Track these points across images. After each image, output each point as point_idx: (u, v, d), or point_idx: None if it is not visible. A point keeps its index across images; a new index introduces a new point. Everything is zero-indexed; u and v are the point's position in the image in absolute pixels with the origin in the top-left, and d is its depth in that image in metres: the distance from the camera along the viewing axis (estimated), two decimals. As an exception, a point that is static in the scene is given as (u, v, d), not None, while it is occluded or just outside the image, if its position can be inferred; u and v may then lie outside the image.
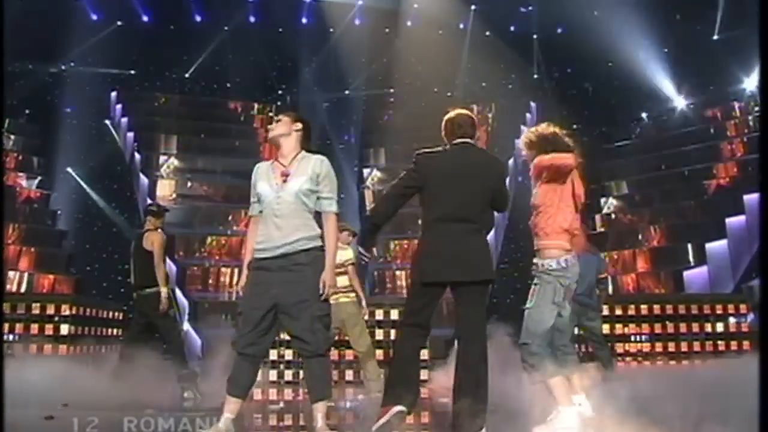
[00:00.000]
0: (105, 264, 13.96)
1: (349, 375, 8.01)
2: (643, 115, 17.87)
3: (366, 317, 6.83)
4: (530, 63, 18.57)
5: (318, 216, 3.64)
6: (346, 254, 6.49)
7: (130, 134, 16.96)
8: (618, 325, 8.65)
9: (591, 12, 17.45)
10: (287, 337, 3.69)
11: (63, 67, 17.10)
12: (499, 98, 17.55)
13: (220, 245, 15.63)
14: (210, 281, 14.93)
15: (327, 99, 18.44)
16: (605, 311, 7.69)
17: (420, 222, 3.99)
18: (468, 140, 3.90)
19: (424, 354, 6.72)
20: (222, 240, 15.71)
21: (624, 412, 3.69)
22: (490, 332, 3.85)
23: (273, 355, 7.89)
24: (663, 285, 13.65)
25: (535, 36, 18.62)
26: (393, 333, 8.07)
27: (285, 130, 3.67)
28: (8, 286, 12.21)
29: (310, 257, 3.50)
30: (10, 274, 12.91)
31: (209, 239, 15.67)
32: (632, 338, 8.70)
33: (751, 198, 12.67)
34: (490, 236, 3.96)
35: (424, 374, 6.69)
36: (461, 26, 18.60)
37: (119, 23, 17.40)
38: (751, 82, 15.57)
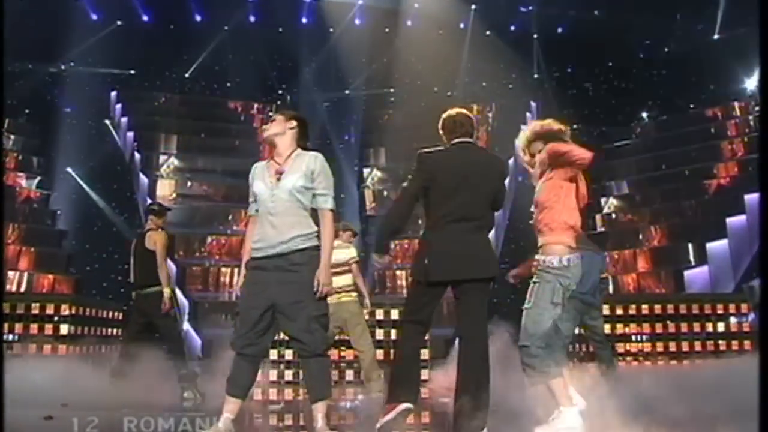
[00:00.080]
0: (105, 264, 13.96)
1: (349, 375, 8.00)
2: (644, 114, 17.87)
3: (368, 314, 6.83)
4: (530, 63, 18.54)
5: (316, 214, 3.62)
6: (349, 253, 6.48)
7: (130, 134, 16.95)
8: (619, 325, 8.63)
9: (591, 12, 17.45)
10: (287, 337, 3.67)
11: (63, 67, 17.07)
12: (500, 98, 17.54)
13: (220, 245, 15.63)
14: (210, 281, 14.93)
15: (327, 98, 18.43)
16: (606, 311, 7.67)
17: (421, 221, 3.99)
18: (469, 139, 3.91)
19: (424, 354, 6.71)
20: (222, 240, 15.72)
21: (625, 412, 3.68)
22: (491, 331, 3.84)
23: (273, 355, 7.88)
24: (664, 285, 13.65)
25: (535, 36, 18.60)
26: (393, 333, 8.06)
27: (279, 129, 3.65)
28: (8, 286, 12.21)
29: (306, 257, 3.48)
30: (10, 273, 12.91)
31: (209, 239, 15.67)
32: (633, 338, 8.68)
33: (752, 198, 12.67)
34: (491, 235, 3.95)
35: (424, 374, 6.68)
36: (461, 26, 18.58)
37: (119, 23, 17.37)
38: (751, 82, 15.56)
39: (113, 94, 17.56)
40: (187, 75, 18.01)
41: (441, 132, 3.95)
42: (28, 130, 15.87)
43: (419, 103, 16.76)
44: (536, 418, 3.60)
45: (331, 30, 18.14)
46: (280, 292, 3.43)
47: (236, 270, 13.27)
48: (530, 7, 18.43)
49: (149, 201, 13.84)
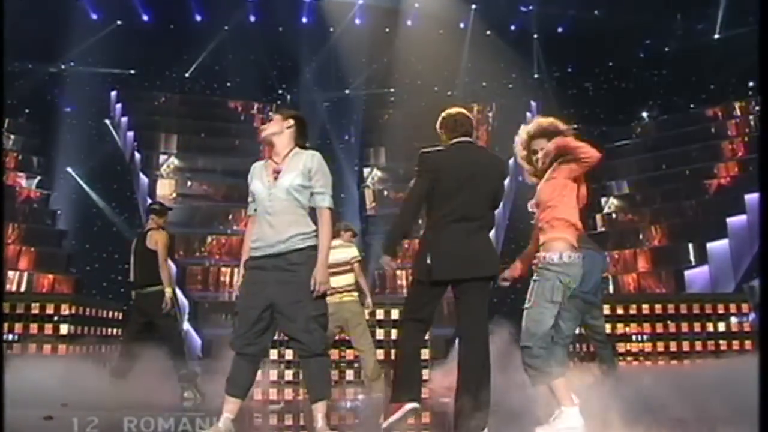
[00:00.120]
0: (105, 264, 13.96)
1: (349, 375, 7.99)
2: (644, 114, 17.86)
3: (369, 314, 6.82)
4: (530, 62, 18.55)
5: (315, 213, 3.60)
6: (351, 252, 6.47)
7: (130, 133, 16.95)
8: (619, 325, 8.61)
9: (591, 11, 17.44)
10: (286, 337, 3.66)
11: (63, 67, 17.08)
12: (500, 98, 17.54)
13: (220, 245, 15.63)
14: (210, 281, 14.93)
15: (327, 98, 18.43)
16: (606, 311, 7.66)
17: (421, 221, 3.98)
18: (470, 138, 3.90)
19: (425, 354, 6.70)
20: (222, 239, 15.71)
21: (626, 412, 3.67)
22: (491, 331, 3.82)
23: (273, 354, 7.86)
24: (664, 285, 13.64)
25: (535, 35, 18.60)
26: (393, 333, 8.05)
27: (277, 129, 3.64)
28: (8, 286, 12.20)
29: (305, 256, 3.46)
30: (10, 273, 12.90)
31: (209, 239, 15.67)
32: (633, 338, 8.67)
33: (752, 197, 12.65)
34: (491, 235, 3.95)
35: (424, 374, 6.66)
36: (461, 25, 18.58)
37: (119, 23, 17.37)
38: (752, 82, 15.54)
39: (113, 93, 17.56)
40: (187, 75, 18.02)
41: (441, 131, 3.93)
42: (28, 130, 15.87)
43: (419, 102, 16.76)
44: (537, 418, 3.59)
45: (331, 30, 18.15)
46: (278, 292, 3.42)
47: (236, 270, 13.11)
48: (530, 7, 18.44)
49: (149, 201, 13.84)
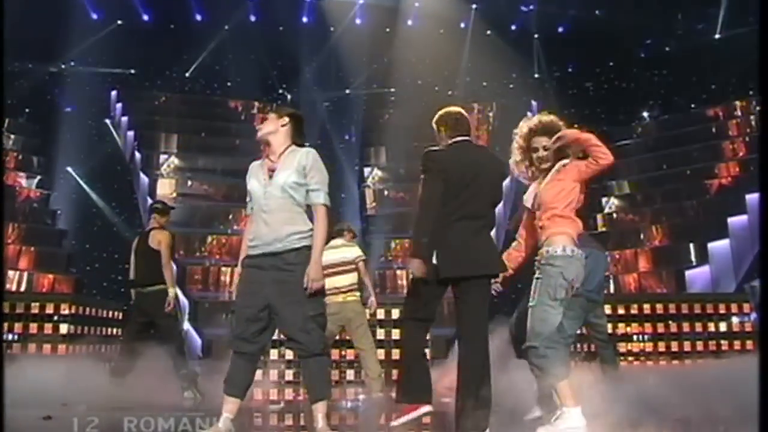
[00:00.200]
0: (105, 264, 13.96)
1: (350, 375, 7.98)
2: (645, 114, 17.85)
3: (375, 311, 6.83)
4: (531, 62, 18.53)
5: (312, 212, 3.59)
6: (355, 251, 6.47)
7: (131, 133, 16.95)
8: (620, 325, 8.61)
9: (592, 11, 17.43)
10: (285, 337, 3.64)
11: (63, 67, 17.07)
12: (500, 97, 17.53)
13: (221, 244, 15.62)
14: (210, 281, 14.92)
15: (327, 98, 18.42)
16: (607, 310, 7.65)
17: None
18: (469, 137, 3.90)
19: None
20: (222, 239, 15.71)
21: (627, 412, 3.66)
22: (491, 331, 3.81)
23: (273, 354, 7.87)
24: (665, 285, 13.63)
25: (536, 35, 18.58)
26: (394, 332, 8.05)
27: (272, 128, 3.63)
28: (8, 286, 12.19)
29: (302, 256, 3.44)
30: (10, 273, 12.90)
31: (209, 238, 15.66)
32: (635, 338, 8.67)
33: (753, 197, 12.63)
34: (492, 234, 3.93)
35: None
36: (462, 25, 18.56)
37: (119, 22, 17.36)
38: (753, 81, 15.51)
39: (113, 93, 17.55)
40: (187, 74, 18.00)
41: (440, 128, 3.90)
42: (28, 130, 15.87)
43: (420, 102, 16.72)
44: (538, 418, 3.58)
45: (331, 29, 18.13)
46: (275, 292, 3.40)
47: (236, 270, 13.20)
48: (531, 7, 18.42)
49: (149, 200, 13.84)
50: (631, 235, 15.05)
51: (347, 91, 18.61)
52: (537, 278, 3.51)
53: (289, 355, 7.71)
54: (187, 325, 12.52)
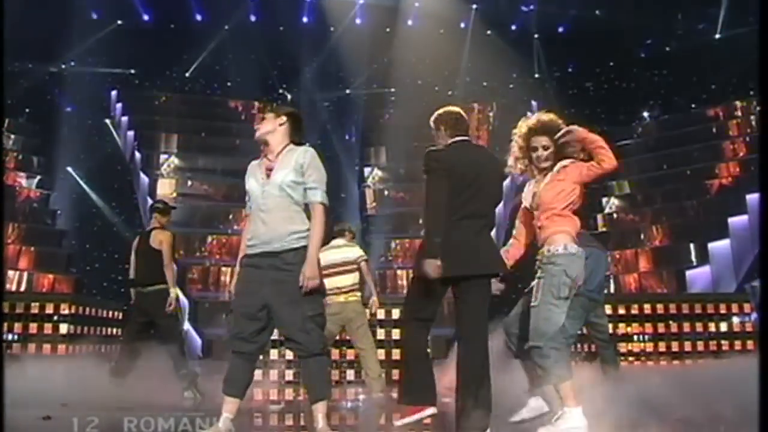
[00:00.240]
0: (105, 264, 13.97)
1: (350, 375, 7.98)
2: (645, 114, 17.84)
3: (376, 311, 6.83)
4: (531, 62, 18.52)
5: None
6: (357, 251, 6.47)
7: (131, 133, 16.95)
8: (621, 325, 8.60)
9: (592, 11, 17.42)
10: (283, 338, 3.62)
11: (63, 66, 17.07)
12: (500, 97, 17.52)
13: (221, 244, 15.63)
14: (210, 281, 14.92)
15: (327, 98, 18.42)
16: (608, 311, 7.64)
17: (422, 221, 3.95)
18: (468, 137, 3.90)
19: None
20: (222, 239, 15.71)
21: (628, 413, 3.65)
22: (491, 331, 3.80)
23: (273, 354, 7.86)
24: (665, 285, 13.64)
25: (536, 35, 18.58)
26: (394, 332, 8.04)
27: (270, 128, 3.61)
28: (8, 286, 12.19)
29: (300, 256, 3.41)
30: (10, 273, 12.91)
31: (209, 238, 15.67)
32: (635, 338, 8.66)
33: (754, 197, 12.64)
34: (492, 234, 3.92)
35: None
36: (462, 25, 18.55)
37: (119, 22, 17.36)
38: (753, 81, 15.51)
39: (113, 93, 17.55)
40: (187, 74, 18.00)
41: (440, 127, 3.88)
42: (28, 130, 15.87)
43: (420, 102, 16.69)
44: (540, 419, 3.57)
45: (331, 29, 18.13)
46: (273, 292, 3.38)
47: (235, 269, 13.19)
48: (531, 7, 18.41)
49: (149, 200, 13.83)
50: (632, 235, 15.05)
51: (347, 91, 18.61)
52: (539, 277, 3.49)
53: (290, 355, 7.70)
54: (187, 325, 12.52)
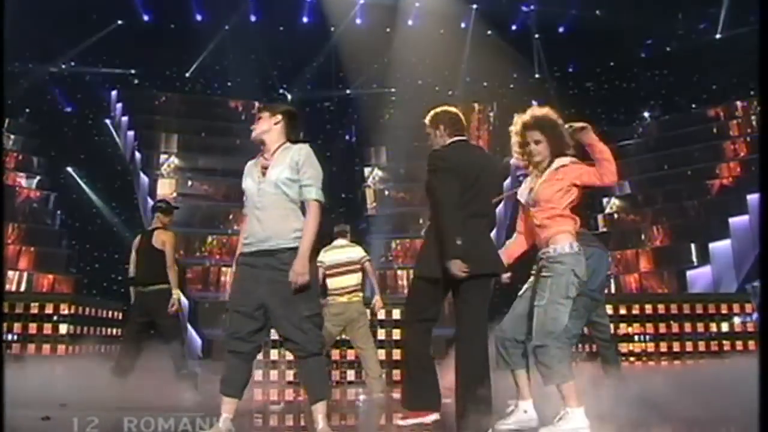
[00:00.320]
0: (105, 264, 13.96)
1: (350, 375, 7.97)
2: (646, 114, 17.83)
3: (378, 311, 6.83)
4: (531, 62, 18.52)
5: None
6: (360, 252, 6.47)
7: (131, 133, 16.95)
8: (622, 325, 8.59)
9: (592, 11, 17.41)
10: (281, 338, 3.60)
11: (63, 66, 17.07)
12: (501, 97, 17.52)
13: (221, 244, 15.62)
14: (210, 281, 14.91)
15: (328, 98, 18.41)
16: (609, 311, 7.63)
17: (422, 220, 3.95)
18: (466, 137, 3.90)
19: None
20: (222, 239, 15.71)
21: (630, 413, 3.64)
22: (491, 329, 3.79)
23: (274, 355, 7.85)
24: (666, 285, 13.63)
25: (536, 35, 18.58)
26: (395, 333, 8.03)
27: (265, 127, 3.61)
28: (8, 286, 12.18)
29: (296, 256, 3.38)
30: (10, 273, 12.90)
31: (210, 238, 15.66)
32: (636, 338, 8.65)
33: (755, 198, 12.63)
34: (492, 234, 3.92)
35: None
36: (462, 25, 18.55)
37: (119, 22, 17.36)
38: (753, 81, 15.49)
39: (113, 93, 17.56)
40: (187, 74, 18.01)
41: (439, 126, 3.88)
42: (28, 130, 15.86)
43: (420, 102, 16.68)
44: (540, 419, 3.56)
45: (332, 29, 18.13)
46: (270, 292, 3.36)
47: (231, 269, 13.14)
48: (531, 7, 18.41)
49: (149, 200, 13.83)
50: (632, 236, 15.04)
51: (347, 92, 18.61)
52: (545, 277, 3.46)
53: (290, 355, 7.68)
54: (187, 326, 12.52)
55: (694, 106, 16.96)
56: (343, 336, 6.80)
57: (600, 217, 15.75)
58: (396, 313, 8.06)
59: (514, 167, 14.91)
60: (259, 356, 6.74)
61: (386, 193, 17.55)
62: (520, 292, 3.68)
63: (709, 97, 16.62)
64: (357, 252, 6.46)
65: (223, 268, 14.87)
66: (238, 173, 3.75)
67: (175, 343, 6.08)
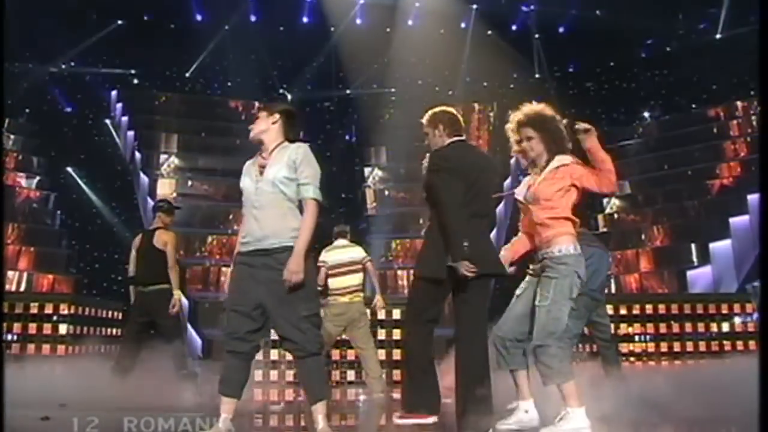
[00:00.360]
0: (105, 264, 13.95)
1: (351, 375, 7.96)
2: (646, 114, 17.83)
3: (378, 311, 6.84)
4: (532, 62, 18.52)
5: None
6: (360, 252, 6.48)
7: (131, 133, 16.94)
8: (622, 325, 8.59)
9: (593, 11, 17.41)
10: (279, 338, 3.59)
11: (63, 66, 17.07)
12: (501, 97, 17.50)
13: (221, 244, 15.61)
14: (210, 281, 14.90)
15: (328, 98, 18.41)
16: (609, 311, 7.63)
17: (422, 220, 3.95)
18: (464, 137, 3.90)
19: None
20: (223, 239, 15.70)
21: (630, 413, 3.64)
22: (490, 328, 3.78)
23: (274, 355, 7.85)
24: (666, 285, 13.63)
25: (536, 35, 18.57)
26: (395, 333, 8.03)
27: (263, 126, 3.60)
28: (8, 286, 12.18)
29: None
30: (10, 273, 12.90)
31: (210, 238, 15.65)
32: (636, 338, 8.65)
33: (755, 198, 12.63)
34: (492, 234, 3.91)
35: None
36: (462, 25, 18.54)
37: (119, 22, 17.35)
38: (754, 81, 15.48)
39: (113, 93, 17.55)
40: (187, 74, 18.00)
41: (439, 126, 3.87)
42: (28, 130, 15.85)
43: (420, 102, 16.64)
44: (541, 419, 3.55)
45: (332, 29, 18.12)
46: (268, 292, 3.35)
47: (229, 269, 13.13)
48: (532, 7, 18.41)
49: (149, 200, 13.83)
50: (633, 236, 15.04)
51: (347, 91, 18.60)
52: (549, 277, 3.44)
53: (290, 355, 7.68)
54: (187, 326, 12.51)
55: (694, 106, 16.95)
56: (343, 336, 6.80)
57: (600, 217, 15.74)
58: (396, 314, 8.05)
59: (514, 167, 14.95)
60: (259, 356, 6.75)
61: (386, 193, 17.54)
62: (518, 292, 3.67)
63: (709, 97, 16.61)
64: (359, 252, 6.48)
65: (223, 268, 14.85)
66: (238, 173, 3.75)
67: (175, 343, 6.08)
